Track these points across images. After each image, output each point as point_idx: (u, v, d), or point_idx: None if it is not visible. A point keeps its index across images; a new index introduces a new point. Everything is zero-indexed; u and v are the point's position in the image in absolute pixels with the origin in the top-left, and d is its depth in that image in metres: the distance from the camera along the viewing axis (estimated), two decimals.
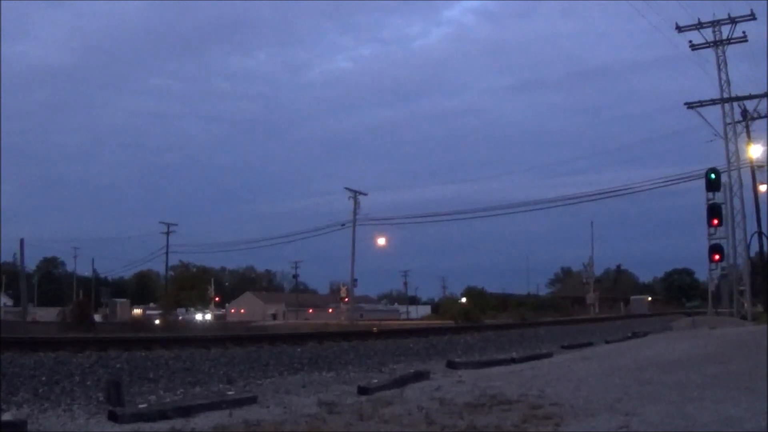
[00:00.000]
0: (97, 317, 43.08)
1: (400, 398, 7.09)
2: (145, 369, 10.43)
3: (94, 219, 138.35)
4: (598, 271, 73.60)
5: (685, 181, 37.61)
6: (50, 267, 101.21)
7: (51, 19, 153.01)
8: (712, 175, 25.66)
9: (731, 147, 31.53)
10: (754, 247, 32.23)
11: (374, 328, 23.57)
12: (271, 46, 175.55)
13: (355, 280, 58.11)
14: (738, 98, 32.36)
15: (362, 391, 7.95)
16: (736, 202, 30.97)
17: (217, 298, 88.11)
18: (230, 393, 8.36)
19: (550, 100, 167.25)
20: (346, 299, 61.09)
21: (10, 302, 73.46)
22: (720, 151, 31.53)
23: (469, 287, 72.92)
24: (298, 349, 14.25)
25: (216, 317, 76.96)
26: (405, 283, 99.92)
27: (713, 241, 25.83)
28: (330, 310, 70.16)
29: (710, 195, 25.43)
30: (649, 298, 79.03)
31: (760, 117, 33.56)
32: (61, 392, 8.33)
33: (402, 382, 8.67)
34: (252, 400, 7.44)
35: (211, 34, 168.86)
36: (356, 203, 55.83)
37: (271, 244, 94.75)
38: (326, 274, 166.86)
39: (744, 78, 52.91)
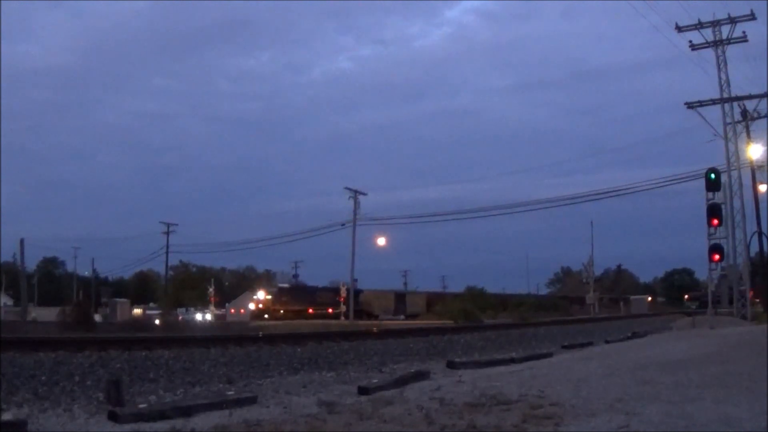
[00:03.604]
0: (97, 317, 43.11)
1: (400, 398, 7.10)
2: (145, 369, 10.44)
3: (94, 219, 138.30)
4: (598, 271, 73.40)
5: (685, 181, 37.62)
6: (50, 267, 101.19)
7: (52, 20, 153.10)
8: (712, 175, 25.66)
9: (731, 147, 31.54)
10: (754, 247, 32.31)
11: (374, 328, 23.59)
12: (272, 47, 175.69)
13: (355, 280, 58.07)
14: (738, 98, 32.36)
15: (362, 391, 7.96)
16: (736, 202, 30.97)
17: (214, 299, 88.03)
18: (230, 393, 8.36)
19: (550, 100, 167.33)
20: (343, 299, 60.95)
21: (10, 302, 73.45)
22: (720, 151, 31.55)
23: (469, 287, 72.56)
24: (298, 349, 14.26)
25: (216, 317, 76.94)
26: (405, 284, 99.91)
27: (713, 241, 25.84)
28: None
29: (710, 195, 25.44)
30: (650, 298, 78.94)
31: (760, 117, 33.56)
32: (61, 392, 8.34)
33: (402, 382, 8.67)
34: (252, 400, 7.45)
35: (212, 35, 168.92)
36: (356, 203, 55.81)
37: (271, 244, 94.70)
38: (326, 274, 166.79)
39: (744, 78, 52.79)
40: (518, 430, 5.25)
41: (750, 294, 29.68)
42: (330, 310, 58.33)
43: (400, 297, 66.58)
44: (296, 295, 58.56)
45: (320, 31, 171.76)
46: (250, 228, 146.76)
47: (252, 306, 59.35)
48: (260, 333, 19.17)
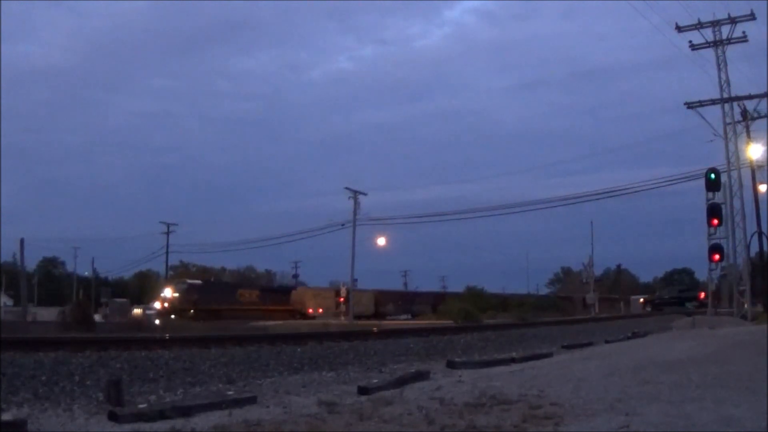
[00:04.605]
0: (97, 317, 42.94)
1: (400, 398, 7.10)
2: (145, 369, 10.43)
3: (94, 219, 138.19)
4: (598, 271, 73.41)
5: (685, 181, 37.72)
6: (50, 267, 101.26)
7: (52, 20, 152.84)
8: (712, 175, 25.70)
9: (731, 147, 31.56)
10: (754, 247, 32.32)
11: (374, 328, 23.60)
12: (272, 47, 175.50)
13: (355, 280, 57.92)
14: (738, 98, 32.38)
15: (362, 391, 7.96)
16: (736, 202, 30.99)
17: None
18: (230, 393, 8.37)
19: (550, 100, 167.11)
20: (342, 299, 60.60)
21: (10, 302, 73.46)
22: (720, 151, 31.59)
23: (469, 287, 72.35)
24: (298, 349, 14.26)
25: None
26: (405, 284, 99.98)
27: (713, 241, 25.88)
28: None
29: (710, 195, 25.48)
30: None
31: (760, 117, 33.59)
32: (61, 392, 8.34)
33: (402, 382, 8.68)
34: (252, 400, 7.45)
35: (213, 35, 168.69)
36: (356, 203, 55.82)
37: (271, 244, 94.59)
38: (326, 274, 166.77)
39: (744, 78, 52.90)
40: (518, 430, 5.25)
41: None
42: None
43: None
44: (210, 293, 51.89)
45: (320, 31, 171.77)
46: (250, 228, 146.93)
47: (158, 305, 51.28)
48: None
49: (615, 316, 44.75)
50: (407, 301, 64.66)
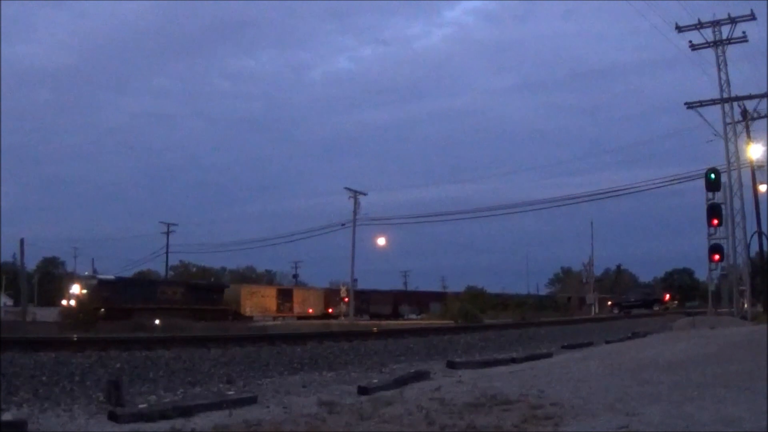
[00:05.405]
0: None
1: (400, 398, 7.10)
2: (145, 369, 10.44)
3: (94, 219, 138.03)
4: (598, 271, 73.46)
5: (685, 181, 37.71)
6: (50, 267, 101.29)
7: (52, 20, 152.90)
8: (712, 175, 25.69)
9: (731, 147, 31.55)
10: (754, 247, 32.32)
11: (374, 328, 23.62)
12: (272, 47, 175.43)
13: (355, 280, 57.90)
14: (738, 98, 32.38)
15: (362, 391, 7.97)
16: (736, 202, 30.98)
17: None
18: (230, 393, 8.37)
19: (550, 100, 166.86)
20: (346, 299, 60.66)
21: (10, 302, 73.49)
22: (720, 151, 31.58)
23: (469, 287, 72.27)
24: (298, 349, 14.27)
25: None
26: (405, 284, 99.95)
27: (713, 241, 25.86)
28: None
29: (710, 195, 25.48)
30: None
31: (760, 117, 33.58)
32: (61, 392, 8.34)
33: (402, 382, 8.68)
34: (252, 400, 7.46)
35: (213, 35, 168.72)
36: (356, 203, 55.83)
37: (271, 244, 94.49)
38: (326, 274, 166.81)
39: (744, 78, 52.98)
40: (518, 430, 5.25)
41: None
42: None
43: (285, 294, 57.54)
44: (124, 290, 45.55)
45: (321, 31, 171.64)
46: (250, 228, 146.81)
47: (64, 303, 45.11)
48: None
49: (615, 316, 44.82)
50: (363, 300, 59.13)
